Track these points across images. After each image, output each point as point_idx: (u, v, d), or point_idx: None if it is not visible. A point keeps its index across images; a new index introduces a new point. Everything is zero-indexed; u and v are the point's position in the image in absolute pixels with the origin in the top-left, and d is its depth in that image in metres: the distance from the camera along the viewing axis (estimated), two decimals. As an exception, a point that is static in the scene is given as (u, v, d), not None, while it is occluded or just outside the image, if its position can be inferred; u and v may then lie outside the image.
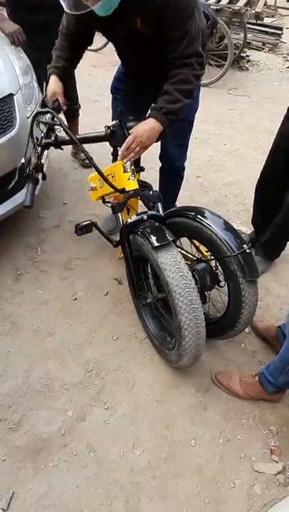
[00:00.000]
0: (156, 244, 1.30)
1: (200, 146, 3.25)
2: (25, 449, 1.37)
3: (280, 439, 1.48)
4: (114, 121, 1.52)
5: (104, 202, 1.83)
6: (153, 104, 1.41)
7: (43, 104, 1.57)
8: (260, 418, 1.53)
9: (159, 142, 1.91)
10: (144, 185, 1.60)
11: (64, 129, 1.40)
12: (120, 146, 1.44)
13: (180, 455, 1.40)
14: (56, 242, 2.19)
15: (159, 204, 1.53)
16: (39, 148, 1.48)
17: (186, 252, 1.71)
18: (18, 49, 1.96)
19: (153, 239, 1.32)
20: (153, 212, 1.50)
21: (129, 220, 1.45)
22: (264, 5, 6.73)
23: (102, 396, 1.54)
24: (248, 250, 1.35)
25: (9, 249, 2.10)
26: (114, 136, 1.50)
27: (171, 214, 1.57)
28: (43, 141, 1.50)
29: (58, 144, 1.54)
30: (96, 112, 3.53)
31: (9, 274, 1.97)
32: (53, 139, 1.52)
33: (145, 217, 1.44)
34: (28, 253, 2.10)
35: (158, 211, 1.52)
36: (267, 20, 6.27)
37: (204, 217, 1.43)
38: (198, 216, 1.44)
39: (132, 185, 1.44)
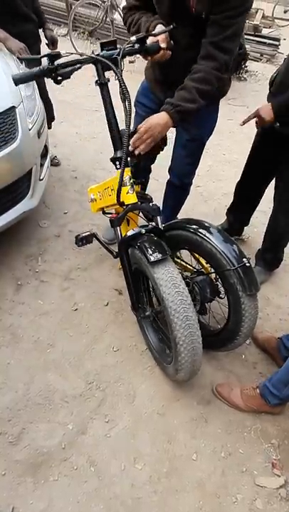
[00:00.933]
0: (152, 259, 1.30)
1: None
2: (25, 464, 1.35)
3: (282, 453, 1.47)
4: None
5: (104, 213, 1.84)
6: (168, 99, 1.38)
7: (139, 40, 1.36)
8: (261, 431, 1.52)
9: (170, 157, 1.92)
10: (143, 197, 1.60)
11: (119, 80, 1.27)
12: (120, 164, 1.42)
13: (181, 469, 1.39)
14: (56, 252, 2.19)
15: (158, 217, 1.53)
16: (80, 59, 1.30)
17: (186, 263, 1.72)
18: (19, 62, 1.98)
19: (149, 254, 1.31)
20: (152, 226, 1.50)
21: (128, 234, 1.44)
22: (262, 17, 6.84)
23: (103, 409, 1.53)
24: (247, 264, 1.36)
25: (9, 259, 2.10)
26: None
27: (171, 227, 1.57)
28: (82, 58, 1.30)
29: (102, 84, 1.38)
30: (96, 121, 3.57)
31: (10, 284, 1.97)
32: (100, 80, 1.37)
33: (143, 231, 1.44)
34: (29, 263, 2.10)
35: (157, 224, 1.53)
36: (265, 31, 6.36)
37: (204, 230, 1.44)
38: (199, 229, 1.45)
39: (130, 198, 1.44)
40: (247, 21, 4.53)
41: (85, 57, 1.31)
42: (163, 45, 1.36)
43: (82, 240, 1.77)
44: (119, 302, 1.95)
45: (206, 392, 1.62)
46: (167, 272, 1.31)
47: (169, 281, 1.29)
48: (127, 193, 1.43)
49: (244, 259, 1.37)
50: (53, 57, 1.24)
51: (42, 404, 1.52)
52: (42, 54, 1.30)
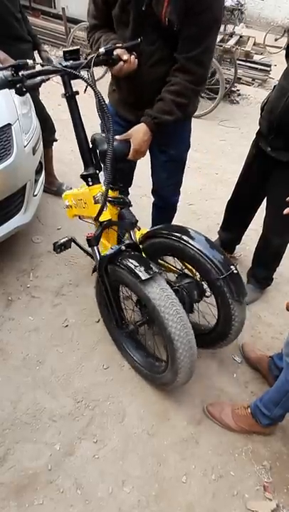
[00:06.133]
0: (143, 277, 1.29)
1: (193, 174, 3.33)
2: (9, 486, 1.31)
3: (273, 475, 1.45)
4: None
5: (80, 218, 1.81)
6: (148, 110, 1.43)
7: (107, 53, 1.30)
8: (252, 452, 1.50)
9: (151, 179, 1.89)
10: (122, 202, 1.57)
11: (96, 94, 1.20)
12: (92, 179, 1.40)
13: (171, 492, 1.35)
14: (49, 267, 2.18)
15: (132, 231, 1.52)
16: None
17: (170, 265, 1.72)
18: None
19: (139, 272, 1.30)
20: (128, 241, 1.48)
21: (108, 253, 1.41)
22: (253, 44, 7.12)
23: (92, 428, 1.50)
24: (235, 271, 1.38)
25: (1, 274, 2.08)
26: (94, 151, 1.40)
27: (153, 234, 1.55)
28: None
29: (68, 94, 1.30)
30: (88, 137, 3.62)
31: (0, 299, 1.95)
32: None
33: (123, 247, 1.42)
34: (20, 278, 2.08)
35: (131, 238, 1.51)
36: (256, 58, 6.59)
37: (189, 237, 1.42)
38: (183, 237, 1.43)
39: (105, 216, 1.39)
40: (239, 48, 4.71)
41: (50, 68, 1.21)
42: (125, 57, 1.31)
43: (61, 247, 1.74)
44: (110, 319, 1.94)
45: (197, 412, 1.59)
46: (158, 287, 1.32)
47: (161, 294, 1.30)
48: None
49: (232, 267, 1.38)
50: (18, 67, 1.14)
51: (29, 423, 1.48)
52: None
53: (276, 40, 9.39)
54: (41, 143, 2.16)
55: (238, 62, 5.48)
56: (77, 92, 1.32)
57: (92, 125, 1.84)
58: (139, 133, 1.43)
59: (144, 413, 1.57)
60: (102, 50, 1.29)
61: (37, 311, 1.92)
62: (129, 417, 1.55)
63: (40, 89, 2.56)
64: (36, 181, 2.10)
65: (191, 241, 1.41)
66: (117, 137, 1.43)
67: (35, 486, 1.32)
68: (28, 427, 1.47)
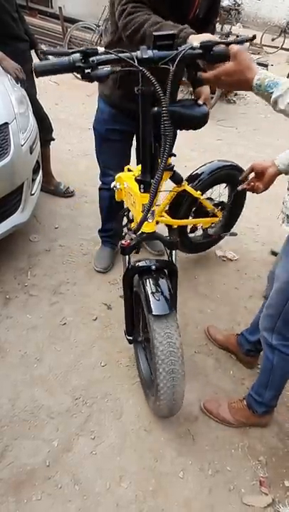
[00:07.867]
0: (155, 312, 1.25)
1: (190, 173, 3.34)
2: (8, 482, 1.32)
3: (269, 470, 1.46)
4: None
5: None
6: None
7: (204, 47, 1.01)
8: (249, 448, 1.51)
9: None
10: (172, 168, 1.68)
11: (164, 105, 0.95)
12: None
13: (168, 488, 1.37)
14: (46, 266, 2.19)
15: (174, 252, 1.43)
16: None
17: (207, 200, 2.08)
18: (14, 81, 2.04)
19: (153, 304, 1.26)
20: (163, 261, 1.39)
21: (139, 264, 1.35)
22: (250, 44, 7.14)
23: (89, 425, 1.51)
24: None
25: (-2, 273, 2.09)
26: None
27: (201, 179, 1.99)
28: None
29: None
30: (88, 138, 3.62)
31: (-2, 298, 1.96)
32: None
33: (154, 267, 1.34)
34: (18, 277, 2.09)
35: (171, 256, 1.42)
36: (253, 57, 6.61)
37: (227, 162, 2.06)
38: (226, 166, 2.06)
39: (147, 227, 1.32)
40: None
41: (124, 56, 0.98)
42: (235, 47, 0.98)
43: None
44: (107, 317, 1.95)
45: (194, 409, 1.61)
46: (166, 327, 1.26)
47: (164, 338, 1.26)
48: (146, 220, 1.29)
49: None
50: (87, 53, 0.95)
51: (27, 420, 1.49)
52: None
53: (273, 40, 9.41)
54: (38, 142, 2.18)
55: (234, 62, 5.50)
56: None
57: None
58: (207, 88, 1.63)
59: (141, 410, 1.58)
60: (196, 44, 1.00)
61: (35, 310, 1.93)
62: (127, 413, 1.56)
63: (37, 88, 2.59)
64: (34, 180, 2.12)
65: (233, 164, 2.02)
66: (199, 101, 1.52)
67: (34, 481, 1.33)
68: (26, 424, 1.48)
